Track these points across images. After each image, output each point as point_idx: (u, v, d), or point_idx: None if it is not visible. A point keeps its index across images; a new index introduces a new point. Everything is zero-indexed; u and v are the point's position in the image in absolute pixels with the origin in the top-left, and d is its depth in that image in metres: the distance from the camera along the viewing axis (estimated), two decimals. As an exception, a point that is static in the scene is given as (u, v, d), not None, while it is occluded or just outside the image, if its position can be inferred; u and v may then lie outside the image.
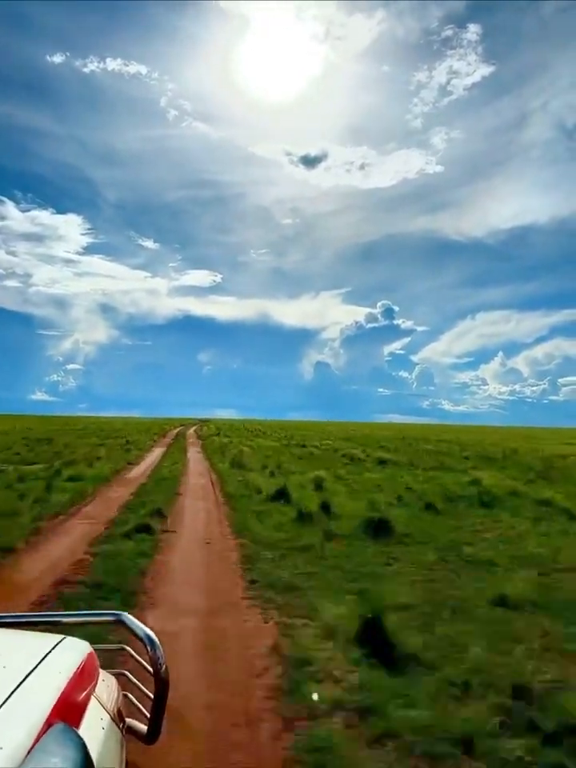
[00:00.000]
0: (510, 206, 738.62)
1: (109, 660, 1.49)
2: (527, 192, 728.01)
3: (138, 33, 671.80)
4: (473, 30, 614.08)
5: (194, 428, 55.54)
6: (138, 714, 1.32)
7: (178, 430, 46.61)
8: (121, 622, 1.30)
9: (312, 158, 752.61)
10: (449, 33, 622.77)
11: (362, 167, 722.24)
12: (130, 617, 1.30)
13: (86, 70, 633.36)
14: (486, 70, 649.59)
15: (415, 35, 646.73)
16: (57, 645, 1.11)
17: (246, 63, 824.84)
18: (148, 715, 1.26)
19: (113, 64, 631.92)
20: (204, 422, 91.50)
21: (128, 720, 1.26)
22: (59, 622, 1.38)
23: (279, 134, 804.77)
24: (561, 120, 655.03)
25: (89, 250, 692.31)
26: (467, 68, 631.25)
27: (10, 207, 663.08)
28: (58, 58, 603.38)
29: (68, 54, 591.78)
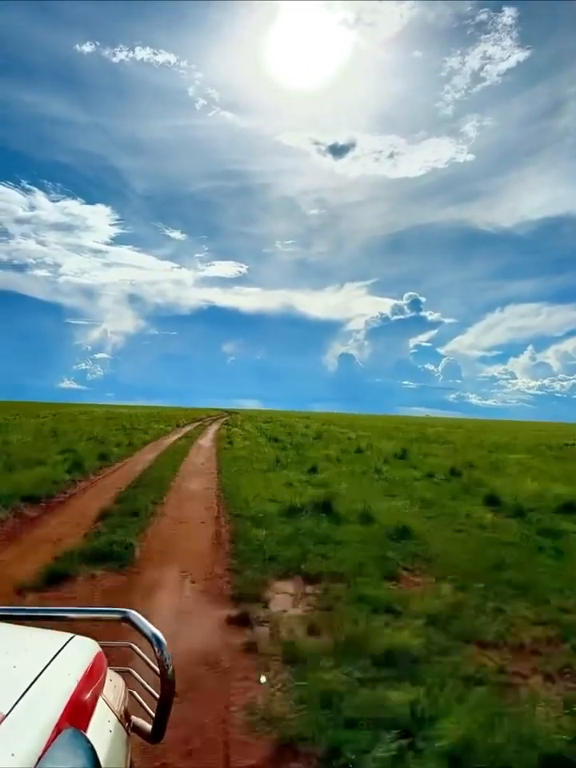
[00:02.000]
0: (542, 196, 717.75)
1: (112, 653, 1.37)
2: (560, 182, 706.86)
3: (167, 21, 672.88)
4: (508, 14, 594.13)
5: (214, 426, 33.94)
6: (141, 711, 1.30)
7: (187, 429, 27.86)
8: (128, 620, 1.28)
9: (340, 147, 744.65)
10: (483, 16, 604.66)
11: (390, 156, 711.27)
12: (138, 615, 1.28)
13: (115, 59, 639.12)
14: (521, 54, 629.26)
15: (448, 19, 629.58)
16: (66, 644, 1.08)
17: (274, 51, 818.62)
18: (152, 714, 1.24)
19: (142, 53, 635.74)
20: (230, 413, 75.43)
21: (133, 718, 1.25)
22: (65, 617, 1.35)
23: (307, 123, 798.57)
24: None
25: (117, 240, 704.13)
26: (502, 53, 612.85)
27: (41, 197, 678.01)
28: (87, 48, 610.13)
29: (97, 43, 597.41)
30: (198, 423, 37.58)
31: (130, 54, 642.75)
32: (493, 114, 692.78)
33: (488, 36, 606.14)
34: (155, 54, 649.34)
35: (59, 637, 1.14)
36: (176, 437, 21.89)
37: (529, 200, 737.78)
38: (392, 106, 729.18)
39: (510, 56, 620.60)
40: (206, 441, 20.72)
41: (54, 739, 0.79)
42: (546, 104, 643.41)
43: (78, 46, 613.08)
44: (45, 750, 0.76)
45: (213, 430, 28.88)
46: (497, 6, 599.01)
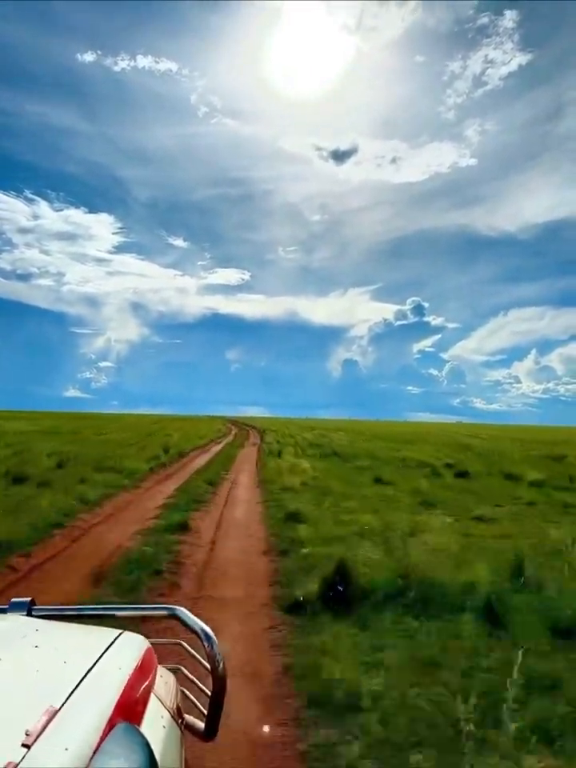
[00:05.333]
0: (544, 199, 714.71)
1: (163, 653, 1.28)
2: (562, 185, 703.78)
3: (168, 29, 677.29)
4: (510, 17, 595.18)
5: (223, 439, 30.71)
6: (193, 709, 1.27)
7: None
8: (175, 617, 1.24)
9: (342, 152, 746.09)
10: (484, 20, 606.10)
11: (393, 161, 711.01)
12: (186, 611, 1.24)
13: (116, 68, 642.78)
14: (522, 58, 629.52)
15: (449, 23, 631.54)
16: (115, 640, 1.06)
17: (275, 56, 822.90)
18: (205, 711, 1.21)
19: (143, 61, 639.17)
20: (238, 424, 64.62)
21: (185, 716, 1.22)
22: (113, 615, 1.31)
23: (309, 128, 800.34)
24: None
25: (120, 248, 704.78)
26: (503, 57, 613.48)
27: (44, 206, 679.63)
28: (88, 57, 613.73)
29: (99, 52, 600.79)
30: (219, 443, 26.72)
31: (132, 63, 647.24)
32: (495, 118, 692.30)
33: (490, 40, 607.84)
34: (157, 61, 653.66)
35: (108, 633, 1.11)
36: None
37: (532, 204, 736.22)
38: (394, 111, 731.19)
39: (511, 60, 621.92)
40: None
41: (107, 733, 0.75)
42: (548, 108, 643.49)
43: (79, 54, 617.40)
44: (98, 745, 0.72)
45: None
46: (498, 10, 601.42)
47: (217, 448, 23.40)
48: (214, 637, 1.17)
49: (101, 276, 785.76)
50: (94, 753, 0.71)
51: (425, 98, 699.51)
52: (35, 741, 0.67)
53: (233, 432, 43.75)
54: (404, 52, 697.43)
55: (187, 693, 1.29)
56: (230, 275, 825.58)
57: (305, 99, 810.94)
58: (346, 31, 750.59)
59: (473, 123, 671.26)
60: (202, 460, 16.91)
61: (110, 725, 0.78)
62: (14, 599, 1.24)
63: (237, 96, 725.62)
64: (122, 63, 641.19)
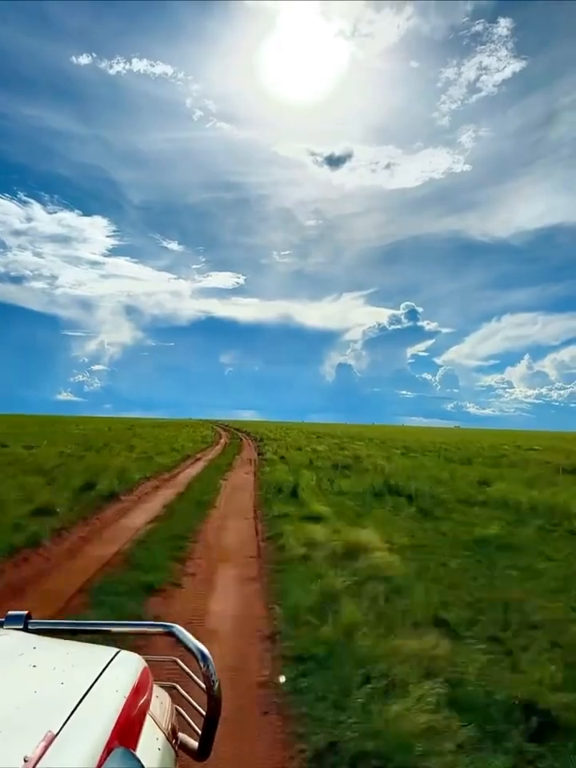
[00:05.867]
0: (537, 206, 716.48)
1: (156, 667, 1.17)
2: (555, 192, 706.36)
3: (163, 33, 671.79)
4: (504, 25, 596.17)
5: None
6: (187, 728, 1.23)
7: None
8: (172, 635, 1.23)
9: (337, 157, 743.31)
10: (479, 27, 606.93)
11: (387, 167, 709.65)
12: (182, 629, 1.23)
13: (111, 71, 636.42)
14: (517, 65, 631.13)
15: (444, 31, 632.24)
16: (112, 659, 1.04)
17: (271, 62, 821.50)
18: (198, 730, 1.19)
19: (139, 64, 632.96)
20: (229, 428, 59.01)
21: (179, 735, 1.20)
22: (109, 631, 1.31)
23: (304, 134, 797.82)
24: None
25: (114, 251, 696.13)
26: (497, 64, 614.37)
27: (37, 209, 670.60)
28: (84, 59, 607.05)
29: (94, 54, 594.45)
30: (194, 462, 18.12)
31: (127, 66, 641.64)
32: (489, 125, 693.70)
33: (484, 47, 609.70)
34: (152, 65, 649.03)
35: (105, 651, 1.10)
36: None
37: (525, 210, 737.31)
38: (389, 117, 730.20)
39: (505, 67, 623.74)
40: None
41: (105, 759, 0.76)
42: (542, 114, 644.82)
43: (74, 57, 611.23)
44: None
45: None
46: (492, 17, 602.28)
47: (190, 472, 14.99)
48: (210, 656, 1.15)
49: (94, 279, 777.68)
50: None
51: (419, 104, 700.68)
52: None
53: (222, 441, 34.50)
54: (399, 58, 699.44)
55: (181, 711, 1.27)
56: (224, 279, 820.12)
57: (300, 104, 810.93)
58: (341, 37, 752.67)
59: (467, 129, 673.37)
60: (136, 519, 8.18)
61: (108, 750, 0.78)
62: (10, 612, 1.24)
63: (232, 100, 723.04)
64: (118, 66, 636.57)
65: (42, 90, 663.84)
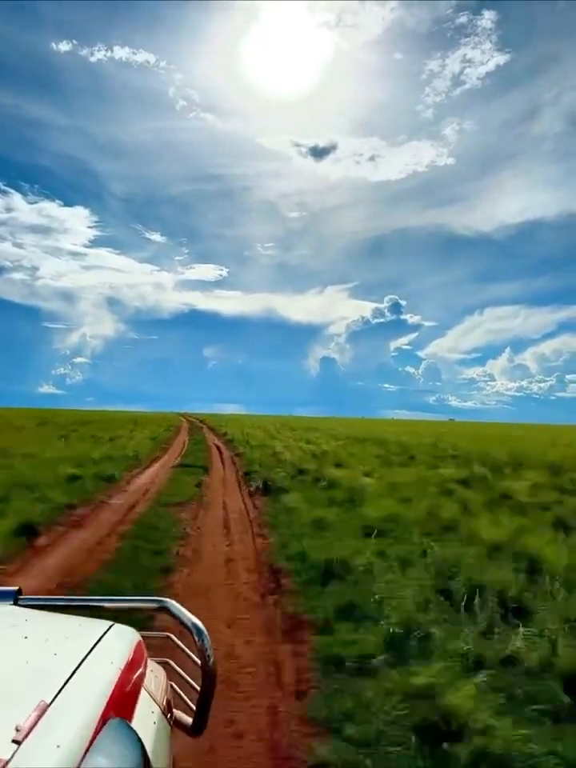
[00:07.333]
0: (519, 200, 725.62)
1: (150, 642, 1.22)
2: (537, 186, 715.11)
3: (145, 21, 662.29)
4: (488, 17, 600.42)
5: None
6: (181, 704, 1.25)
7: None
8: (165, 609, 1.24)
9: (321, 149, 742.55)
10: (463, 20, 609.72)
11: (371, 159, 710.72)
12: (176, 604, 1.23)
13: (92, 58, 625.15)
14: (500, 58, 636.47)
15: (428, 22, 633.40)
16: (106, 632, 1.05)
17: (254, 52, 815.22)
18: (192, 706, 1.20)
19: (120, 52, 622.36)
20: (203, 421, 50.13)
21: (174, 710, 1.21)
22: (102, 606, 1.31)
23: (288, 125, 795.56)
24: (573, 113, 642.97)
25: (95, 242, 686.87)
26: (481, 56, 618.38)
27: (17, 199, 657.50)
28: (64, 47, 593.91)
29: (74, 41, 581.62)
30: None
31: (109, 53, 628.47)
32: (473, 118, 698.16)
33: (468, 39, 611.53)
34: (134, 53, 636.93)
35: (98, 625, 1.10)
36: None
37: (506, 204, 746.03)
38: (373, 109, 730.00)
39: (489, 60, 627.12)
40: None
41: (99, 730, 0.74)
42: (525, 108, 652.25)
43: (54, 44, 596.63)
44: (91, 741, 0.71)
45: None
46: (477, 9, 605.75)
47: None
48: (205, 630, 1.15)
49: (76, 270, 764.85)
50: (87, 750, 0.70)
51: (404, 97, 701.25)
52: (26, 737, 0.65)
53: (181, 441, 21.72)
54: (383, 50, 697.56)
55: (175, 687, 1.27)
56: (207, 271, 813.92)
57: (284, 95, 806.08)
58: (325, 28, 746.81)
59: (451, 122, 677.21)
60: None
61: (103, 720, 0.76)
62: None
63: (215, 91, 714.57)
64: (98, 54, 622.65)
65: (20, 78, 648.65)
